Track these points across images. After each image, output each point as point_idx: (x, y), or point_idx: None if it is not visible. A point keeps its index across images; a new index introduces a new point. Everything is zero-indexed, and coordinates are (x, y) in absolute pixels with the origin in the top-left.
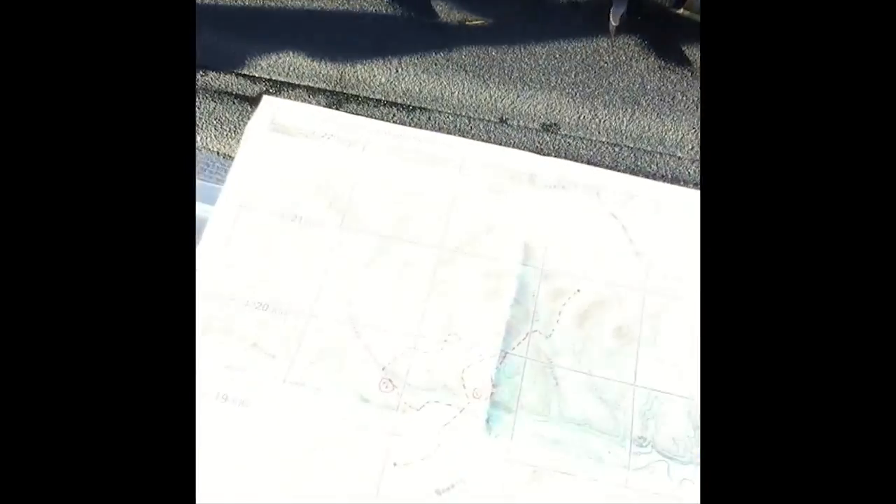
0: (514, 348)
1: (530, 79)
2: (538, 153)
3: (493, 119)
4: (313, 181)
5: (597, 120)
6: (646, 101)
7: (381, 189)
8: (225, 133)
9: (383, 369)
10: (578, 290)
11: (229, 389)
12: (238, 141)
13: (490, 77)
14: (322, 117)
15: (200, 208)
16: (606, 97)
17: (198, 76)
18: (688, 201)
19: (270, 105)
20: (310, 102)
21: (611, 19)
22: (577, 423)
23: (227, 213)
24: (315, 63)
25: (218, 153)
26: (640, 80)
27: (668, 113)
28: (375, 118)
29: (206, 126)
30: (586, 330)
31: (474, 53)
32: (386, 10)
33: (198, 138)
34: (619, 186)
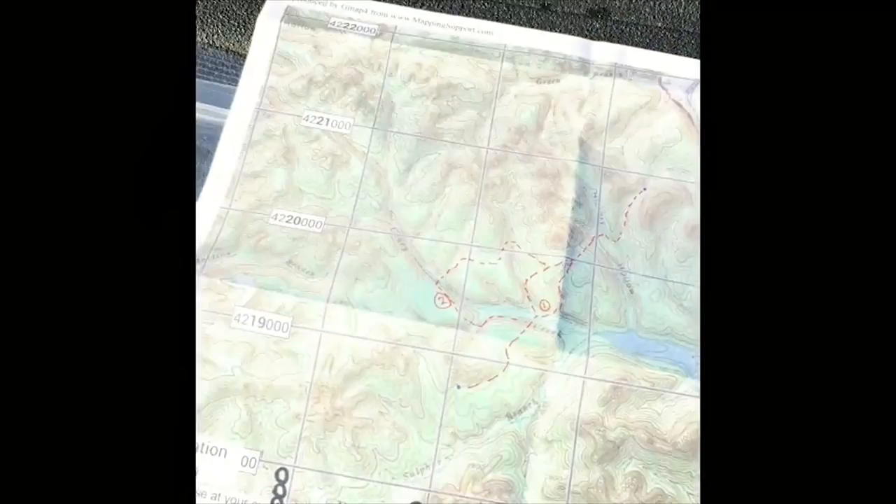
0: (580, 255)
1: None
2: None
3: (534, 5)
4: (338, 78)
5: (651, 3)
6: None
7: (416, 84)
8: (233, 28)
9: (437, 283)
10: (644, 189)
11: (266, 313)
12: (249, 37)
13: None
14: (342, 4)
15: (215, 112)
16: None
17: None
18: None
19: None
20: None
21: None
22: (658, 332)
23: (243, 117)
24: None
25: (227, 51)
26: None
27: None
28: (402, 4)
29: (212, 21)
30: (657, 231)
31: None
32: None
33: (202, 35)
34: (683, 71)
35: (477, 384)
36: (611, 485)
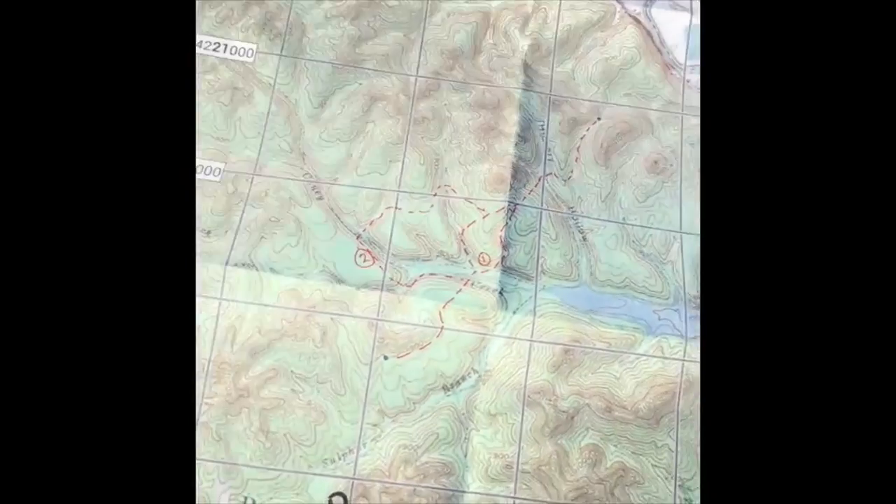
0: (524, 198)
1: None
2: None
3: None
4: None
5: None
6: None
7: (331, 2)
8: None
9: (358, 238)
10: (599, 119)
11: None
12: None
13: None
14: None
15: None
16: None
17: None
18: None
19: None
20: None
21: None
22: (615, 285)
23: None
24: None
25: None
26: None
27: None
28: None
29: None
30: (613, 168)
31: None
32: None
33: None
34: None
35: (407, 353)
36: (565, 461)
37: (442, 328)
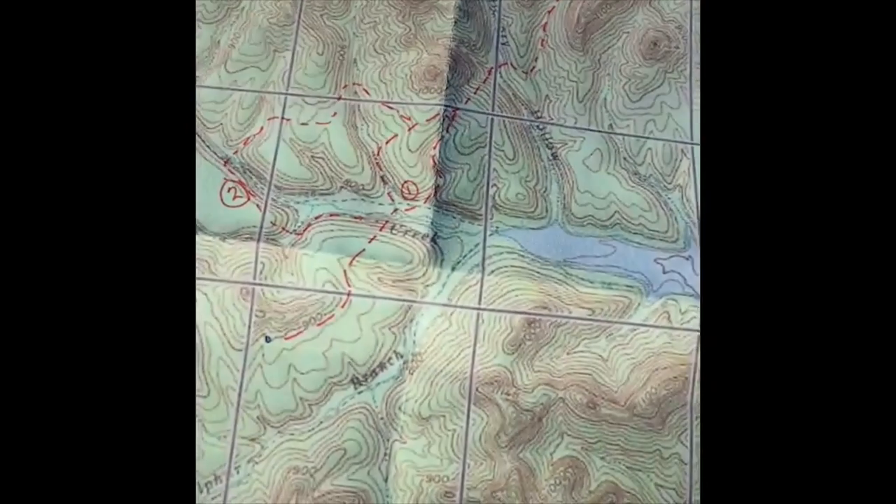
0: (468, 100)
1: None
2: None
3: None
4: None
5: None
6: None
7: None
8: None
9: (226, 163)
10: None
11: None
12: None
13: None
14: None
15: None
16: None
17: None
18: None
19: None
20: None
21: None
22: (599, 223)
23: None
24: None
25: None
26: None
27: None
28: None
29: None
30: (595, 53)
31: None
32: None
33: None
34: None
35: (298, 332)
36: (530, 482)
37: (349, 294)
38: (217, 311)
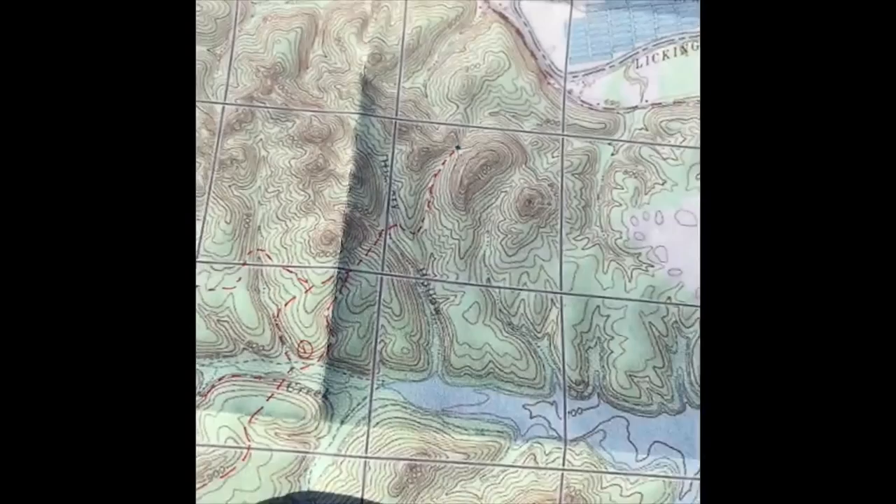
0: (360, 261)
1: None
2: None
3: None
4: None
5: None
6: None
7: None
8: None
9: None
10: (458, 148)
11: None
12: None
13: None
14: None
15: None
16: None
17: None
18: None
19: None
20: None
21: None
22: (474, 373)
23: None
24: None
25: None
26: None
27: None
28: None
29: None
30: (476, 212)
31: None
32: None
33: None
34: None
35: (203, 485)
36: None
37: (249, 448)
38: None
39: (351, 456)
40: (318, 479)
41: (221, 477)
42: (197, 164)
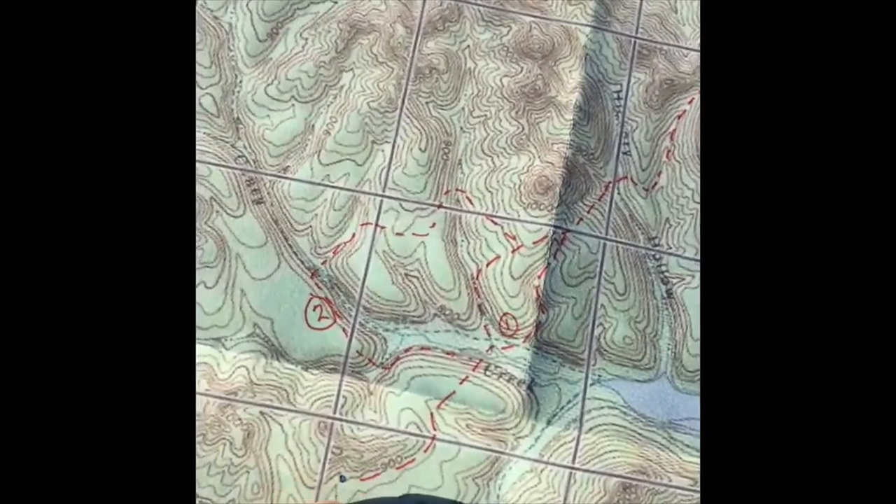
0: (580, 220)
1: None
2: None
3: None
4: None
5: None
6: None
7: None
8: None
9: (313, 274)
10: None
11: None
12: None
13: None
14: None
15: None
16: None
17: None
18: None
19: None
20: None
21: None
22: None
23: None
24: None
25: None
26: None
27: None
28: None
29: None
30: None
31: None
32: None
33: None
34: None
35: (375, 474)
36: None
37: (434, 439)
38: (291, 445)
39: (556, 464)
40: (510, 486)
41: (398, 468)
42: (389, 69)
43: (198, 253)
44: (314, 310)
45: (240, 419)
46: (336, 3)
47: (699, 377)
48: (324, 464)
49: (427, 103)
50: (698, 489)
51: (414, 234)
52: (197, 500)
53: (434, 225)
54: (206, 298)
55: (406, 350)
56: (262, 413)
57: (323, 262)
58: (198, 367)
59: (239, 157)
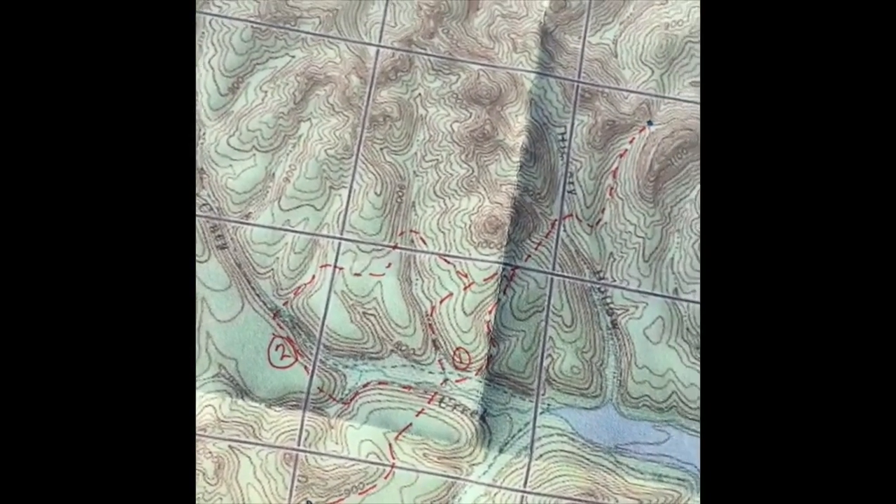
0: (529, 256)
1: None
2: None
3: None
4: None
5: None
6: None
7: None
8: None
9: (275, 315)
10: (650, 123)
11: None
12: None
13: None
14: None
15: None
16: None
17: None
18: None
19: None
20: None
21: None
22: (654, 405)
23: None
24: None
25: None
26: None
27: None
28: None
29: None
30: (666, 206)
31: None
32: None
33: None
34: None
35: (339, 499)
36: None
37: (393, 466)
38: (260, 474)
39: (508, 489)
40: None
41: (360, 493)
42: (345, 118)
43: None
44: (276, 349)
45: (210, 452)
46: (294, 57)
47: (643, 403)
48: (290, 491)
49: (381, 149)
50: None
51: (371, 274)
52: None
53: (390, 265)
54: None
55: (364, 385)
56: (230, 447)
57: (284, 303)
58: None
59: (203, 204)
